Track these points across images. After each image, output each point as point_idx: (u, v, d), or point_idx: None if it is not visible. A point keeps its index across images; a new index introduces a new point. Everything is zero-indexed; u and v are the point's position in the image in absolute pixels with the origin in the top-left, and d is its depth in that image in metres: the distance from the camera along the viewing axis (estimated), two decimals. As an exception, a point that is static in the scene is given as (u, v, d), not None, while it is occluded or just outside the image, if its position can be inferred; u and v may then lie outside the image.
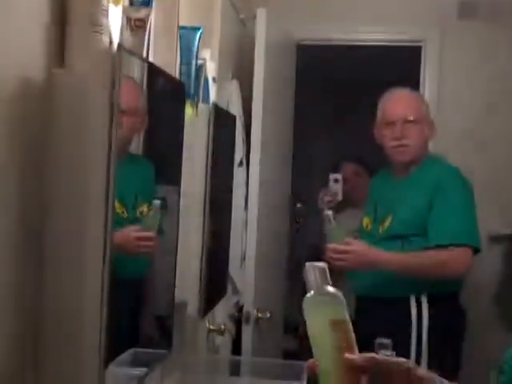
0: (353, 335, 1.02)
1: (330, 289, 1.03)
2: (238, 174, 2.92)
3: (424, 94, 3.44)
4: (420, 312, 2.64)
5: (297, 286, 2.98)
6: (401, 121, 2.71)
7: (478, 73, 3.56)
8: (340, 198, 3.47)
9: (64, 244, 1.29)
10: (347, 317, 1.02)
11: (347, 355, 0.99)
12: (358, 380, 1.00)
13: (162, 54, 2.02)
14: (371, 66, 4.66)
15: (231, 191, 2.68)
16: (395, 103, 2.79)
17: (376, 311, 2.66)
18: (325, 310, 1.02)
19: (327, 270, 1.04)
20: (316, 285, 1.03)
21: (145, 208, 1.73)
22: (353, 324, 1.03)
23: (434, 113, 3.06)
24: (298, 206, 4.69)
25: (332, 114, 5.88)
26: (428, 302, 2.64)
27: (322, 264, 1.04)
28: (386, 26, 3.61)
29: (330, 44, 3.80)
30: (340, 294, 1.03)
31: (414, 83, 3.32)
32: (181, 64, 2.25)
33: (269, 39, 3.06)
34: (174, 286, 1.87)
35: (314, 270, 1.03)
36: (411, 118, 2.72)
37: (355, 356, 1.00)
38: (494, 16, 3.52)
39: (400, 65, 3.81)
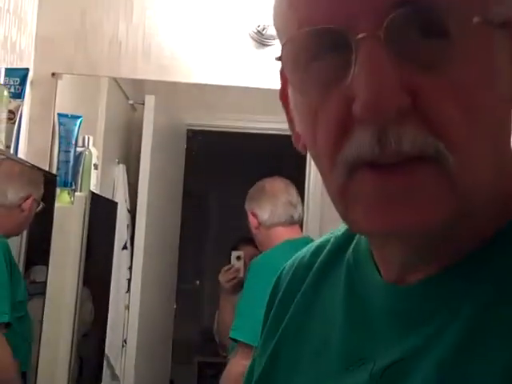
0: None
1: None
2: (122, 257, 2.93)
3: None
4: None
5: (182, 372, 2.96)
6: None
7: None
8: (242, 275, 3.49)
9: None
10: None
11: None
12: None
13: (37, 141, 2.06)
14: (261, 155, 4.75)
15: (110, 274, 2.69)
16: None
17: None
18: None
19: None
20: None
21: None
22: None
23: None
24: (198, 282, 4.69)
25: (219, 200, 5.93)
26: None
27: None
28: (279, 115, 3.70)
29: (221, 130, 3.89)
30: None
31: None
32: (59, 151, 2.29)
33: (157, 125, 3.14)
34: (36, 376, 1.85)
35: None
36: None
37: None
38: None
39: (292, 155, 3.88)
